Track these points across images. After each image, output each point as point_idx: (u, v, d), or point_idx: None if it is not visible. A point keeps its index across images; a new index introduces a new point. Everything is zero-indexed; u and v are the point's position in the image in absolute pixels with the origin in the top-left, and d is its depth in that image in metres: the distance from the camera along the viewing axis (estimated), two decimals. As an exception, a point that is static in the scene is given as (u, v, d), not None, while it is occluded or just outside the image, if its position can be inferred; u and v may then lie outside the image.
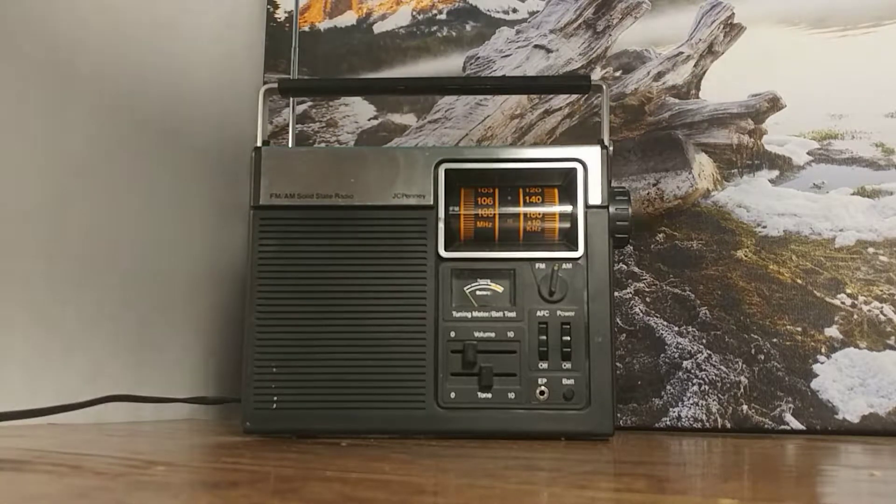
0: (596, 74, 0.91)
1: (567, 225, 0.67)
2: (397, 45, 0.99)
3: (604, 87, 0.68)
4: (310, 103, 0.98)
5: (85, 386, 0.76)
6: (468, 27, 0.97)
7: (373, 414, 0.64)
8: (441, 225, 0.66)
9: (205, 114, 0.96)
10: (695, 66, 0.89)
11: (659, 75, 0.89)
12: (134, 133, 0.86)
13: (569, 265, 0.66)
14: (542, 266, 0.66)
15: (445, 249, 0.66)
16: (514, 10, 0.96)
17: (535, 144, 0.90)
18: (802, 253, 0.83)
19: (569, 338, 0.64)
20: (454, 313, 0.65)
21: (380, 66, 0.98)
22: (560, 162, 0.67)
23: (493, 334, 0.65)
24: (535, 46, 0.94)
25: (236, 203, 0.96)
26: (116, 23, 0.85)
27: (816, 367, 0.80)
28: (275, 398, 0.64)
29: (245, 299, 0.66)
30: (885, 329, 0.80)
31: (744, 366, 0.81)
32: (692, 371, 0.82)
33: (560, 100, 0.91)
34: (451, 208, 0.67)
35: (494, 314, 0.65)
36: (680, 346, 0.83)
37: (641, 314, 0.85)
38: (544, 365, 0.64)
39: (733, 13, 0.88)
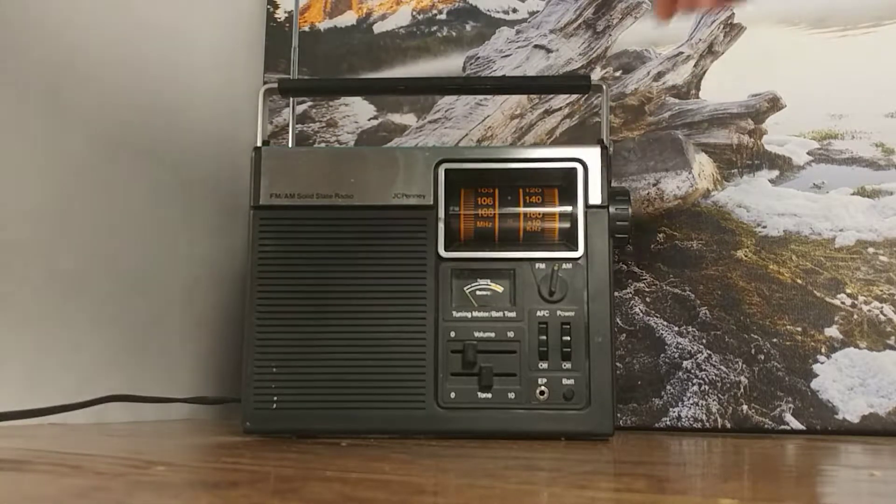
0: (596, 74, 0.91)
1: (567, 225, 0.67)
2: (397, 45, 0.99)
3: (604, 87, 0.68)
4: (310, 103, 0.98)
5: (85, 386, 0.76)
6: (468, 27, 0.97)
7: (373, 414, 0.64)
8: (441, 225, 0.66)
9: (205, 114, 0.96)
10: (695, 66, 0.89)
11: (659, 75, 0.89)
12: (134, 133, 0.86)
13: (569, 265, 0.66)
14: (542, 266, 0.66)
15: (445, 249, 0.66)
16: (514, 10, 0.96)
17: (535, 144, 0.90)
18: (802, 253, 0.83)
19: (569, 338, 0.64)
20: (454, 313, 0.65)
21: (380, 66, 0.98)
22: (560, 162, 0.67)
23: (493, 334, 0.65)
24: (535, 46, 0.94)
25: (236, 203, 0.96)
26: (117, 22, 0.85)
27: (816, 367, 0.80)
28: (275, 398, 0.64)
29: (245, 299, 0.66)
30: (885, 329, 0.80)
31: (744, 366, 0.81)
32: (692, 371, 0.82)
33: (560, 100, 0.91)
34: (451, 208, 0.67)
35: (494, 314, 0.65)
36: (680, 346, 0.83)
37: (641, 314, 0.85)
38: (544, 365, 0.64)
39: (733, 13, 0.88)
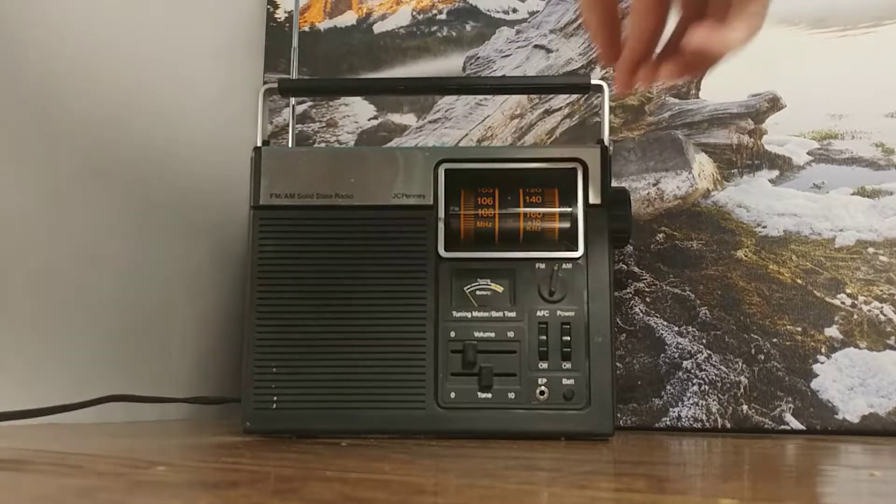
0: (596, 74, 0.91)
1: (567, 225, 0.67)
2: (397, 45, 0.99)
3: (604, 87, 0.68)
4: (310, 103, 0.98)
5: (85, 386, 0.76)
6: (468, 27, 0.97)
7: (373, 414, 0.64)
8: (441, 225, 0.66)
9: (205, 114, 0.96)
10: (695, 66, 0.88)
11: (659, 75, 0.89)
12: (134, 133, 0.86)
13: (569, 265, 0.66)
14: (542, 266, 0.66)
15: (445, 249, 0.66)
16: (514, 10, 0.96)
17: (535, 144, 0.90)
18: (802, 253, 0.83)
19: (569, 338, 0.64)
20: (454, 313, 0.65)
21: (380, 66, 0.98)
22: (560, 162, 0.67)
23: (493, 334, 0.65)
24: (535, 46, 0.94)
25: (236, 203, 0.96)
26: (116, 22, 0.85)
27: (816, 367, 0.80)
28: (275, 398, 0.64)
29: (245, 299, 0.66)
30: (885, 329, 0.80)
31: (744, 366, 0.81)
32: (692, 371, 0.82)
33: (560, 100, 0.91)
34: (451, 208, 0.67)
35: (494, 314, 0.65)
36: (680, 346, 0.83)
37: (641, 314, 0.85)
38: (544, 365, 0.64)
39: (733, 13, 0.88)
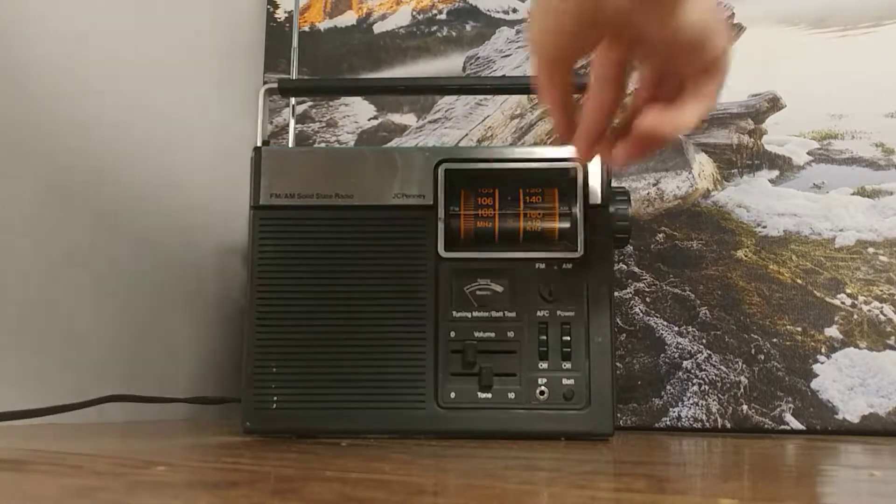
0: (596, 74, 0.91)
1: (567, 225, 0.67)
2: (397, 45, 0.99)
3: (604, 87, 0.68)
4: (310, 103, 0.98)
5: (85, 386, 0.76)
6: (468, 27, 0.97)
7: (373, 414, 0.64)
8: (441, 225, 0.66)
9: (205, 114, 0.96)
10: (695, 66, 0.88)
11: (659, 75, 0.89)
12: (134, 133, 0.86)
13: (569, 265, 0.66)
14: (542, 266, 0.66)
15: (445, 249, 0.66)
16: (514, 10, 0.96)
17: (535, 144, 0.90)
18: (802, 253, 0.83)
19: (569, 338, 0.64)
20: (454, 313, 0.65)
21: (380, 66, 0.98)
22: (560, 162, 0.67)
23: (493, 334, 0.65)
24: (535, 46, 0.94)
25: (236, 203, 0.96)
26: (116, 22, 0.85)
27: (816, 367, 0.80)
28: (275, 398, 0.64)
29: (245, 299, 0.66)
30: (885, 329, 0.80)
31: (744, 366, 0.81)
32: (692, 371, 0.82)
33: (560, 100, 0.91)
34: (451, 208, 0.67)
35: (494, 314, 0.65)
36: (680, 346, 0.83)
37: (641, 314, 0.85)
38: (544, 365, 0.64)
39: (733, 13, 0.88)
